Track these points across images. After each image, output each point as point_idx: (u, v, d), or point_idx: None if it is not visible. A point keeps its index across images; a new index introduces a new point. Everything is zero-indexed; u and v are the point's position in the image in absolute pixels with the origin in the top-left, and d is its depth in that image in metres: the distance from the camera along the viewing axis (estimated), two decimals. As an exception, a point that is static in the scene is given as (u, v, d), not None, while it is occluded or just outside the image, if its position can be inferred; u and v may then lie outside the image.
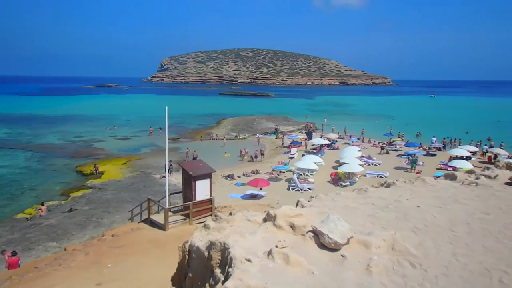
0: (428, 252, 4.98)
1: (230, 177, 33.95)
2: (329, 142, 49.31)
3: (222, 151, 46.80)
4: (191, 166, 21.39)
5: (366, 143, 52.14)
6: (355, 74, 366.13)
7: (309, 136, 51.36)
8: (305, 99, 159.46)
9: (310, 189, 29.79)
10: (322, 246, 4.82)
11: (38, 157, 44.64)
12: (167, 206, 19.72)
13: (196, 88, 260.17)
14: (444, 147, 48.06)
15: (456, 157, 37.99)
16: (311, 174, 34.36)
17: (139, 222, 20.87)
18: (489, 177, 9.19)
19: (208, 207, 20.82)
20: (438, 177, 12.39)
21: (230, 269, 4.23)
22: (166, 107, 20.76)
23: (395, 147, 47.69)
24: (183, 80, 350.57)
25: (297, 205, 7.15)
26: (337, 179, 31.94)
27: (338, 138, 55.28)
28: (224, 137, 55.86)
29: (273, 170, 35.87)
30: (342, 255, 4.66)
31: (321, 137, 52.39)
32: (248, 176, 34.21)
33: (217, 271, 4.83)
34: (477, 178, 9.06)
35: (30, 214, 26.33)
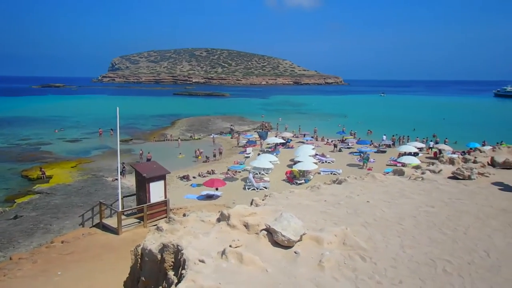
0: (377, 246, 5.17)
1: (185, 178, 33.54)
2: (284, 141, 49.92)
3: (176, 152, 46.14)
4: (145, 168, 20.98)
5: (319, 141, 53.34)
6: (308, 74, 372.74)
7: (262, 136, 51.68)
8: (260, 98, 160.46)
9: (266, 188, 30.04)
10: (276, 243, 4.87)
11: (-22, 162, 41.92)
12: (120, 209, 19.24)
13: (149, 88, 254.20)
14: (393, 144, 50.27)
15: (405, 154, 39.86)
16: (266, 173, 34.68)
17: (91, 227, 20.19)
18: (434, 171, 9.70)
19: (163, 209, 20.57)
20: (387, 173, 12.91)
21: (183, 271, 4.18)
22: (117, 108, 20.28)
23: (348, 145, 49.18)
24: (136, 80, 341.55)
25: (251, 204, 7.19)
26: (292, 177, 32.48)
27: (293, 136, 56.09)
28: (179, 138, 55.05)
29: (228, 170, 35.82)
30: (295, 252, 4.74)
31: (276, 136, 52.93)
32: (204, 176, 33.94)
33: (170, 273, 4.76)
34: (423, 173, 9.54)
35: (-30, 223, 24.65)
